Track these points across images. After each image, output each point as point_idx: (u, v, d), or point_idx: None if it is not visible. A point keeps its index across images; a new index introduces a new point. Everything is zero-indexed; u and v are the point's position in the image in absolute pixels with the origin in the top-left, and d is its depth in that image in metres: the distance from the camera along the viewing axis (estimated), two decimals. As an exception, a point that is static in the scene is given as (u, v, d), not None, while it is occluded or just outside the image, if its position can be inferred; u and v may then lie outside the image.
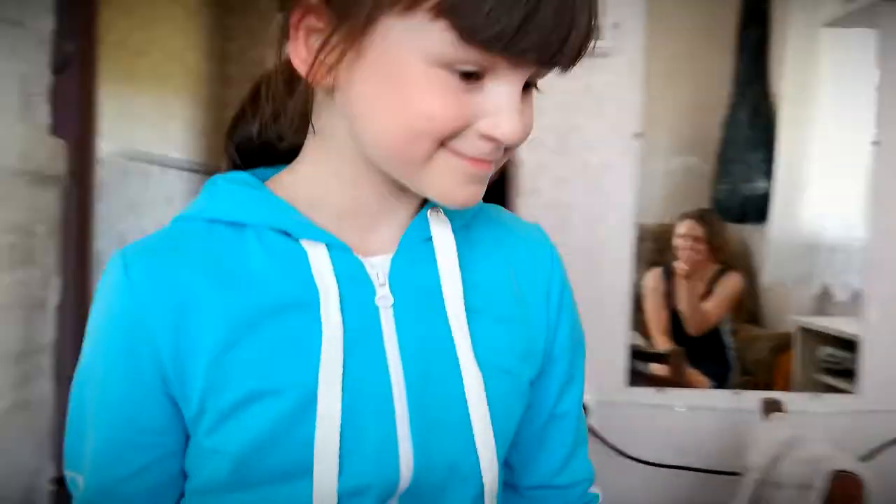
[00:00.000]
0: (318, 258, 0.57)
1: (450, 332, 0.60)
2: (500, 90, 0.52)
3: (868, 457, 1.90)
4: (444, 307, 0.60)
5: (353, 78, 0.53)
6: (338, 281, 0.57)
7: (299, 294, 0.57)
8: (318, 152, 0.60)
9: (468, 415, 0.58)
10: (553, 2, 0.48)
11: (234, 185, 0.60)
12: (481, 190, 0.57)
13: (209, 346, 0.55)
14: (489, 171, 0.56)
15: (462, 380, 0.59)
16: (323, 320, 0.56)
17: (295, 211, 0.58)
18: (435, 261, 0.61)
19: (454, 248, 0.62)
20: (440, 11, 0.48)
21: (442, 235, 0.62)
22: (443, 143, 0.53)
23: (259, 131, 0.64)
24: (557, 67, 0.52)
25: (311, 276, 0.57)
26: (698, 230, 2.47)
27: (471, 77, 0.51)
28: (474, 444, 0.58)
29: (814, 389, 2.20)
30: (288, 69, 0.57)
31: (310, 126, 0.60)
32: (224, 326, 0.55)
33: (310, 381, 0.55)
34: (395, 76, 0.51)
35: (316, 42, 0.53)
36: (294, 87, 0.58)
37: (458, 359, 0.59)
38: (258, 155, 0.66)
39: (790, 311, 2.57)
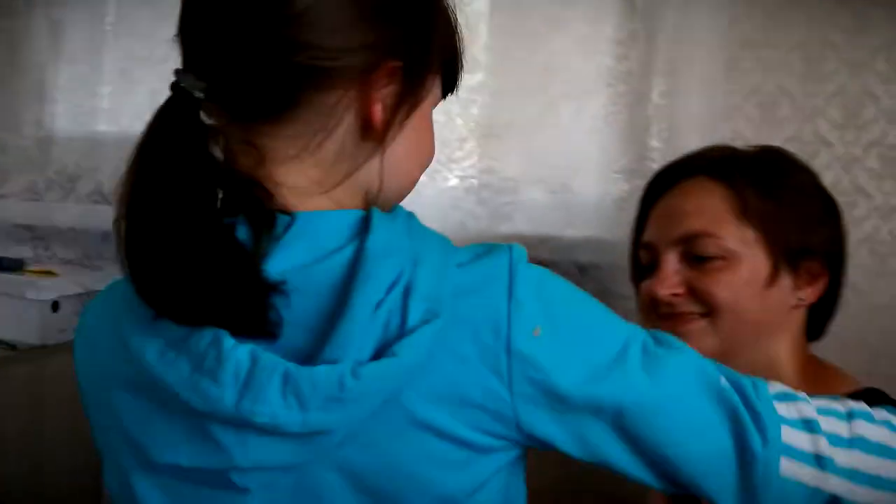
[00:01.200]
0: None
1: None
2: None
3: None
4: None
5: (403, 127, 0.59)
6: None
7: None
8: (351, 201, 0.59)
9: None
10: None
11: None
12: None
13: None
14: None
15: None
16: None
17: None
18: None
19: None
20: (441, 68, 0.62)
21: None
22: None
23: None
24: None
25: None
26: None
27: None
28: None
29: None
30: (358, 127, 0.57)
31: (345, 176, 0.59)
32: None
33: None
34: (426, 122, 0.63)
35: (386, 99, 0.57)
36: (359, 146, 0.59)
37: None
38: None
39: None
